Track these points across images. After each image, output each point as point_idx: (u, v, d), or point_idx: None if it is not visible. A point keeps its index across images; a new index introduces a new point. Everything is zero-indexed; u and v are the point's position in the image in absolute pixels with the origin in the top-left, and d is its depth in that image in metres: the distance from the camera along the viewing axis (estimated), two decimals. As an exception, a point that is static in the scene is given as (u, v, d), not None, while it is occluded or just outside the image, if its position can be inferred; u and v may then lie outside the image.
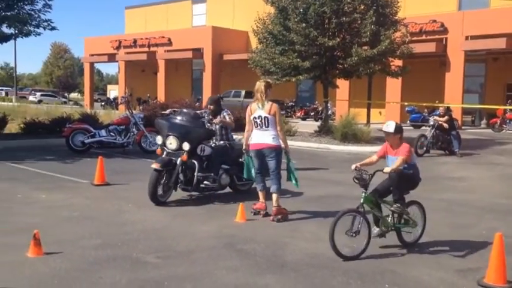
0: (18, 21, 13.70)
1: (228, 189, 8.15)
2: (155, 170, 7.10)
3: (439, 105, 17.07)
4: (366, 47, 16.11)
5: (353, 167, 5.27)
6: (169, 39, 34.90)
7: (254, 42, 20.71)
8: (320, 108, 27.81)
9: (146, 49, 36.38)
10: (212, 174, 7.58)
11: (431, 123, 14.46)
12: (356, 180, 5.15)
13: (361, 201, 5.11)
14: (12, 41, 15.79)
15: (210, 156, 7.69)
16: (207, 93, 32.47)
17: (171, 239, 5.64)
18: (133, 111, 13.57)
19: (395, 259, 5.14)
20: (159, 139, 7.59)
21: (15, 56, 62.37)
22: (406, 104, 24.41)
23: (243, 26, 32.22)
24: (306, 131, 18.23)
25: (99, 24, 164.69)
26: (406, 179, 5.35)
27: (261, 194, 6.81)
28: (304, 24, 15.60)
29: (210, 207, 7.20)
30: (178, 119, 7.63)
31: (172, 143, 7.35)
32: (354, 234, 4.99)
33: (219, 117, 7.96)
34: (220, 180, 7.69)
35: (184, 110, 8.11)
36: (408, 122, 23.76)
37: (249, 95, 29.24)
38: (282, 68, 16.57)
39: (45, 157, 11.75)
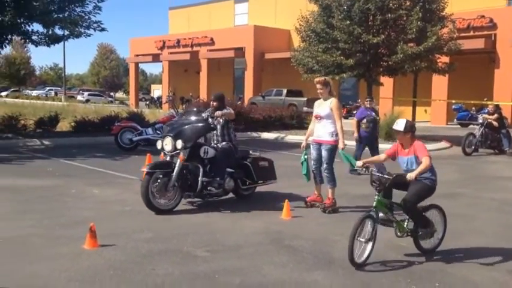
0: (70, 23, 14.24)
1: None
2: (146, 173, 6.47)
3: (488, 103, 16.58)
4: (411, 44, 15.82)
5: (360, 163, 5.02)
6: (211, 39, 35.33)
7: (296, 41, 20.68)
8: (363, 107, 27.48)
9: (189, 49, 36.97)
10: (218, 178, 6.93)
11: (481, 121, 14.08)
12: (374, 184, 4.79)
13: (374, 204, 4.74)
14: (61, 42, 16.40)
15: (214, 159, 7.02)
16: (248, 92, 32.71)
17: (219, 233, 5.76)
18: (178, 110, 13.84)
19: (445, 258, 5.06)
20: (158, 143, 7.01)
21: (64, 56, 64.53)
22: (453, 102, 23.78)
23: (285, 25, 32.24)
24: (349, 130, 17.98)
25: (144, 25, 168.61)
26: (428, 188, 4.98)
27: (317, 187, 7.14)
28: (348, 22, 15.48)
29: (255, 204, 7.28)
30: (182, 118, 7.34)
31: (167, 143, 6.82)
32: (365, 242, 4.67)
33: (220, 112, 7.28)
34: (224, 184, 7.03)
35: (190, 109, 7.63)
36: (455, 120, 23.14)
37: (291, 93, 29.34)
38: (325, 66, 16.49)
39: (96, 154, 12.17)
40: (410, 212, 4.90)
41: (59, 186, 8.33)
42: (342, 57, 15.91)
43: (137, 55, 42.17)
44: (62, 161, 11.04)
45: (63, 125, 16.54)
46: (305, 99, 27.44)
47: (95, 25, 14.94)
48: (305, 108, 24.48)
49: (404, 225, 4.98)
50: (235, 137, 7.47)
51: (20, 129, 14.92)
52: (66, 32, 15.15)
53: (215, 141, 7.31)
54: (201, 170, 6.82)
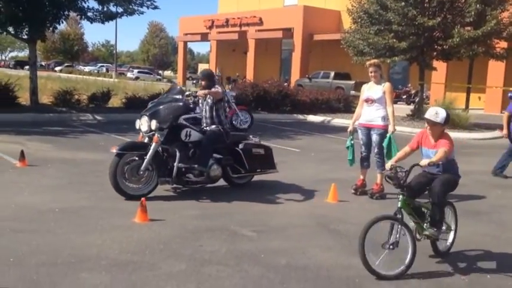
0: (124, 0, 14.51)
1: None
2: (115, 154, 6.00)
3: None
4: (469, 28, 15.18)
5: (388, 165, 4.41)
6: (260, 19, 35.12)
7: (347, 22, 20.26)
8: (413, 92, 26.74)
9: (237, 29, 36.92)
10: (196, 165, 6.32)
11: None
12: (389, 180, 4.30)
13: (399, 205, 4.21)
14: (114, 20, 16.73)
15: (198, 143, 6.42)
16: (295, 74, 32.44)
17: (264, 214, 5.80)
18: (226, 90, 13.91)
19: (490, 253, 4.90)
20: (136, 123, 6.46)
21: (116, 34, 66.65)
22: (510, 89, 22.73)
23: (335, 6, 31.60)
24: (397, 115, 17.60)
25: (194, 4, 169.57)
26: (449, 180, 4.55)
27: (363, 172, 7.08)
28: (403, 3, 15.02)
29: (300, 187, 7.27)
30: (164, 97, 6.70)
31: (143, 123, 6.29)
32: (391, 247, 4.06)
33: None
34: (209, 172, 6.42)
35: (174, 87, 7.07)
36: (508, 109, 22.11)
37: (339, 76, 28.88)
38: (376, 49, 16.12)
39: (145, 131, 12.45)
40: (438, 201, 4.41)
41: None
42: (394, 40, 15.49)
43: (186, 34, 42.54)
44: (113, 136, 11.37)
45: (115, 101, 16.98)
46: (353, 82, 26.96)
47: (148, 3, 15.19)
48: (352, 92, 24.06)
49: (424, 226, 4.47)
50: (227, 120, 6.90)
51: (73, 104, 15.46)
52: (120, 9, 15.49)
53: (204, 124, 6.70)
54: (178, 154, 6.23)
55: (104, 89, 16.64)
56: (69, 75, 41.56)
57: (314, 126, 16.19)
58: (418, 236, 4.46)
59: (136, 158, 6.10)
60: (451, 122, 14.68)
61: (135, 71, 53.82)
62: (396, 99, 29.03)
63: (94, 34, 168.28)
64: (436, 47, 16.15)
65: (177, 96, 6.47)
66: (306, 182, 7.59)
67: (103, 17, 15.31)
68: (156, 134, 6.11)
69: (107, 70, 57.23)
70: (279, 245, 4.78)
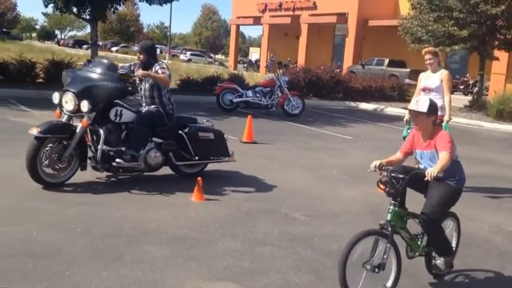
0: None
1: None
2: (35, 137, 5.23)
3: None
4: (535, 17, 14.46)
5: (373, 165, 3.64)
6: (314, 3, 34.69)
7: (404, 8, 19.74)
8: (471, 82, 25.78)
9: (291, 13, 36.64)
10: (124, 148, 5.62)
11: None
12: (382, 186, 3.57)
13: (388, 217, 3.48)
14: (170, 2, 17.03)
15: (128, 125, 5.74)
16: (348, 60, 31.94)
17: (316, 199, 5.86)
18: (278, 74, 13.95)
19: None
20: (55, 97, 5.58)
21: (171, 16, 67.53)
22: None
23: (392, -9, 30.76)
24: (453, 105, 17.13)
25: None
26: (454, 191, 3.76)
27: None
28: (465, -11, 14.46)
29: (353, 173, 7.26)
30: (87, 70, 5.73)
31: (68, 101, 5.45)
32: (376, 270, 3.32)
33: (150, 71, 5.86)
34: (146, 157, 5.72)
35: (99, 60, 6.21)
36: None
37: (393, 63, 28.20)
38: (435, 37, 15.65)
39: (198, 112, 12.67)
40: (432, 230, 3.69)
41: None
42: (455, 28, 14.97)
43: (239, 17, 42.64)
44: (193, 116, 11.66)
45: (169, 83, 17.36)
46: (408, 70, 26.26)
47: (204, -15, 15.32)
48: (407, 80, 23.46)
49: (419, 243, 3.82)
50: (170, 100, 6.04)
51: (130, 84, 15.91)
52: (177, -8, 15.71)
53: (143, 104, 6.02)
54: (102, 135, 5.50)
55: (159, 71, 17.02)
56: (125, 55, 42.72)
57: (366, 114, 15.98)
58: (410, 253, 3.83)
59: (55, 142, 5.39)
60: (511, 114, 14.29)
61: (188, 53, 54.60)
62: (453, 89, 28.08)
63: (149, 16, 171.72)
64: (498, 36, 15.49)
65: (110, 73, 5.64)
66: (359, 169, 7.54)
67: (161, -2, 15.65)
68: (86, 117, 5.43)
69: (161, 52, 58.33)
70: (331, 230, 4.84)
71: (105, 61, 5.89)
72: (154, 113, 5.89)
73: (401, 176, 3.54)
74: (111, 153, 5.62)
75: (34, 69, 14.13)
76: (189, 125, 6.20)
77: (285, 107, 13.46)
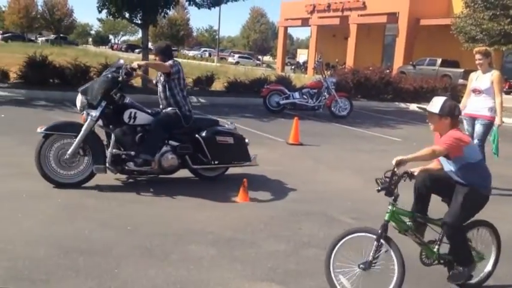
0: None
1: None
2: (43, 136, 5.38)
3: None
4: None
5: (396, 160, 3.37)
6: (363, 3, 34.22)
7: (458, 6, 19.12)
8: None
9: (339, 13, 36.30)
10: (133, 152, 5.56)
11: None
12: (380, 185, 3.39)
13: (385, 218, 3.40)
14: (219, 5, 17.23)
15: (145, 127, 5.69)
16: (398, 60, 31.26)
17: (363, 202, 5.75)
18: (326, 76, 13.82)
19: None
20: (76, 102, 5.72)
21: (219, 19, 68.77)
22: None
23: (445, -11, 29.86)
24: (510, 106, 16.41)
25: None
26: (479, 196, 3.54)
27: None
28: (523, -14, 13.84)
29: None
30: (106, 70, 5.96)
31: (77, 100, 5.63)
32: (362, 266, 3.30)
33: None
34: (161, 160, 5.65)
35: (115, 61, 6.20)
36: None
37: (446, 63, 27.34)
38: (490, 35, 15.10)
39: (245, 114, 12.81)
40: (454, 237, 3.53)
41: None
42: (511, 26, 14.34)
43: (287, 19, 42.65)
44: (216, 118, 11.81)
45: (217, 85, 17.60)
46: (461, 70, 25.34)
47: (252, -12, 15.41)
48: (461, 81, 22.65)
49: (435, 250, 3.66)
50: (185, 100, 5.94)
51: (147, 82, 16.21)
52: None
53: (161, 106, 6.00)
54: (112, 138, 5.57)
55: (208, 73, 17.28)
56: (175, 59, 43.52)
57: (417, 115, 15.54)
58: (425, 259, 3.69)
59: (68, 140, 5.45)
60: None
61: (236, 55, 55.15)
62: (509, 89, 27.00)
63: (198, 20, 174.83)
64: (560, 33, 14.73)
65: (112, 69, 5.72)
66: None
67: (210, 2, 15.85)
68: (84, 112, 5.49)
69: (210, 55, 59.25)
70: (378, 234, 4.73)
71: (118, 62, 5.93)
72: (172, 115, 5.82)
73: (397, 174, 3.38)
74: (123, 156, 5.60)
75: (88, 73, 14.66)
76: (207, 129, 6.03)
77: (332, 108, 13.32)
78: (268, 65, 52.75)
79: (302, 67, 41.54)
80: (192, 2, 15.82)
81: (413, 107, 17.40)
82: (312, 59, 37.01)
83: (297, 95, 13.36)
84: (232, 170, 6.72)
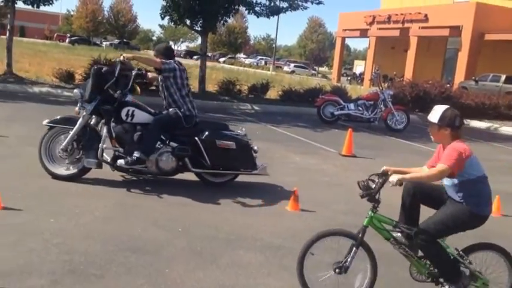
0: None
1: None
2: (48, 128, 5.62)
3: None
4: None
5: (394, 179, 3.26)
6: (425, 16, 33.38)
7: (527, 21, 18.24)
8: None
9: (400, 25, 35.60)
10: (123, 149, 5.57)
11: None
12: (361, 190, 3.36)
13: (364, 223, 3.40)
14: (278, 14, 17.36)
15: (145, 126, 5.63)
16: (459, 75, 30.22)
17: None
18: (382, 88, 13.58)
19: None
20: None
21: (277, 28, 69.33)
22: None
23: (513, 2, 28.65)
24: None
25: (355, 0, 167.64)
26: (467, 213, 3.36)
27: None
28: None
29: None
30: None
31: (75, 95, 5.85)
32: (337, 270, 3.30)
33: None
34: (158, 161, 5.59)
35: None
36: None
37: (510, 80, 26.14)
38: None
39: (298, 123, 12.80)
40: (424, 248, 3.37)
41: (264, 149, 8.97)
42: None
43: (345, 30, 42.29)
44: (269, 126, 11.89)
45: (272, 93, 17.70)
46: (527, 88, 24.20)
47: (313, -2, 15.45)
48: (526, 98, 21.58)
49: (426, 264, 3.49)
50: (184, 100, 5.81)
51: (235, 94, 16.48)
52: (286, 4, 16.00)
53: (164, 106, 5.95)
54: (104, 133, 5.61)
55: (263, 81, 17.42)
56: (231, 66, 44.28)
57: (478, 132, 14.97)
58: (416, 274, 3.53)
59: (67, 134, 5.57)
60: None
61: (292, 65, 55.22)
62: None
63: (256, 28, 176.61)
64: None
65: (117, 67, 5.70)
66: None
67: (269, 11, 16.00)
68: (77, 106, 5.67)
69: (266, 63, 59.64)
70: (431, 253, 4.58)
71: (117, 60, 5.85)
72: (172, 115, 5.75)
73: (377, 180, 3.29)
74: (117, 153, 5.64)
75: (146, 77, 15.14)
76: (208, 132, 5.82)
77: (388, 121, 13.06)
78: (324, 75, 52.46)
79: (358, 78, 41.03)
80: (251, 11, 16.04)
81: (474, 123, 16.78)
82: (369, 70, 36.44)
83: (352, 106, 13.19)
84: (284, 179, 6.73)
